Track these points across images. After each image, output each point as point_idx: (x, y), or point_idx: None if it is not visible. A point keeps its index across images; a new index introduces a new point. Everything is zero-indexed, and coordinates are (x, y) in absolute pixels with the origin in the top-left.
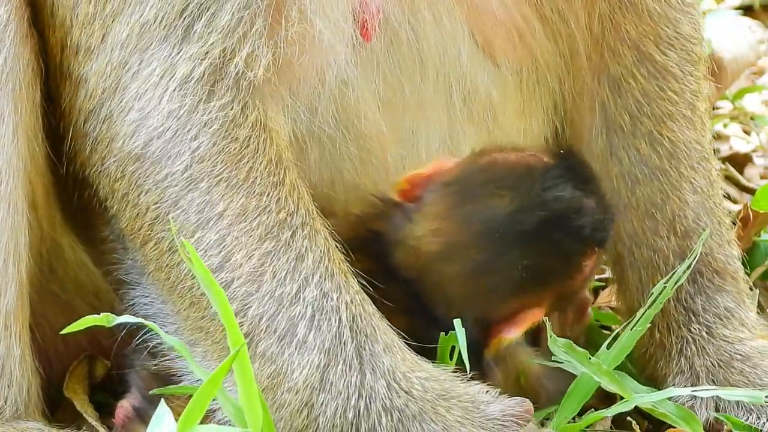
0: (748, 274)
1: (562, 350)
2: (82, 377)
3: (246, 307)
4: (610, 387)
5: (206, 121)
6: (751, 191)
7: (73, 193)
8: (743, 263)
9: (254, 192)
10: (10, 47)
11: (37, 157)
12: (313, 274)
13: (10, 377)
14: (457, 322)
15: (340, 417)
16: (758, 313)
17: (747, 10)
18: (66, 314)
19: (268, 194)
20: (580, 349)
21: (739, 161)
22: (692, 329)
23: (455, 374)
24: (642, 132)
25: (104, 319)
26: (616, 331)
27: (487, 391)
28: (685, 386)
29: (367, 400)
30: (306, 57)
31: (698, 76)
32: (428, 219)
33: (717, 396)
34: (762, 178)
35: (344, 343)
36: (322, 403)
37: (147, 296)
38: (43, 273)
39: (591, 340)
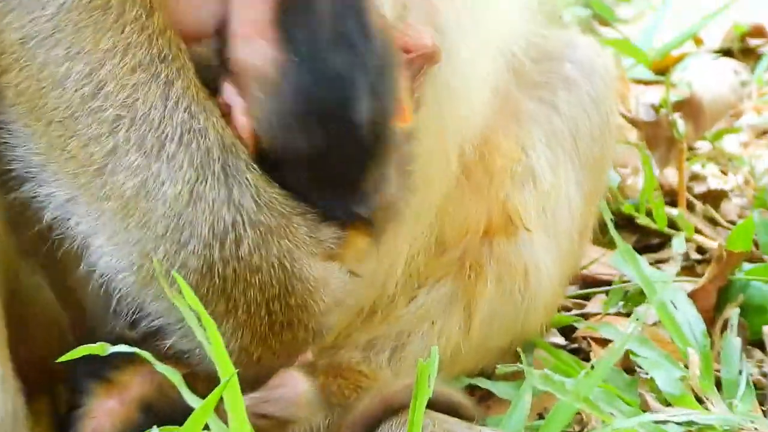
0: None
1: (539, 381)
2: (46, 413)
3: (115, 129)
4: (589, 412)
5: None
6: (726, 228)
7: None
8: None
9: (123, 32)
10: None
11: None
12: (181, 98)
13: None
14: None
15: (209, 229)
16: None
17: (726, 53)
18: (27, 333)
19: (139, 34)
20: (557, 377)
21: (716, 198)
22: None
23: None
24: None
25: (99, 348)
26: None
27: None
28: None
29: (234, 213)
30: None
31: None
32: None
33: None
34: (739, 216)
35: (212, 160)
36: (190, 216)
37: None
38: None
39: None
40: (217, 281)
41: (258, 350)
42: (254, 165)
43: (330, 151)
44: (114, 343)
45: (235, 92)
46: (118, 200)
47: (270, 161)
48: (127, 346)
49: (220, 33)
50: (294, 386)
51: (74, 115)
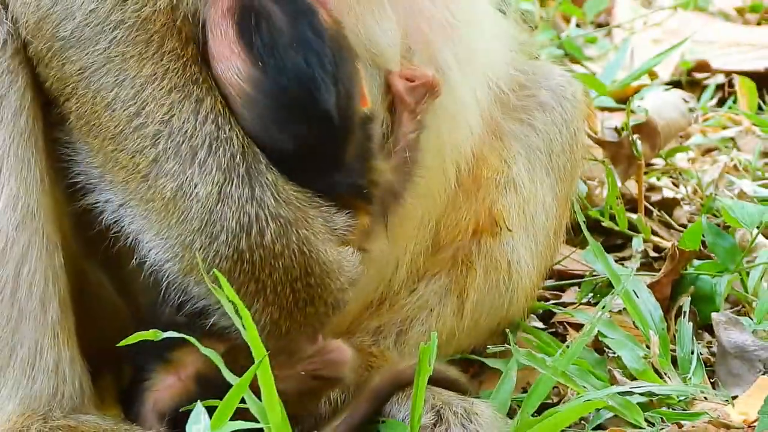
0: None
1: (524, 357)
2: (111, 390)
3: (156, 141)
4: (566, 385)
5: (121, 19)
6: (678, 230)
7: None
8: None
9: (162, 60)
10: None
11: (61, 195)
12: (209, 113)
13: (64, 375)
14: None
15: (236, 223)
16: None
17: (676, 85)
18: (93, 323)
19: (175, 62)
20: (539, 355)
21: (669, 205)
22: None
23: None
24: None
25: (152, 334)
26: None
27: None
28: None
29: (257, 208)
30: None
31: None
32: None
33: None
34: (689, 221)
35: (237, 164)
36: (220, 212)
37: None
38: (75, 291)
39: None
40: (247, 266)
41: (286, 323)
42: (273, 167)
43: (311, 139)
44: (166, 327)
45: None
46: (160, 201)
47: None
48: (176, 331)
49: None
50: (341, 352)
51: (122, 132)
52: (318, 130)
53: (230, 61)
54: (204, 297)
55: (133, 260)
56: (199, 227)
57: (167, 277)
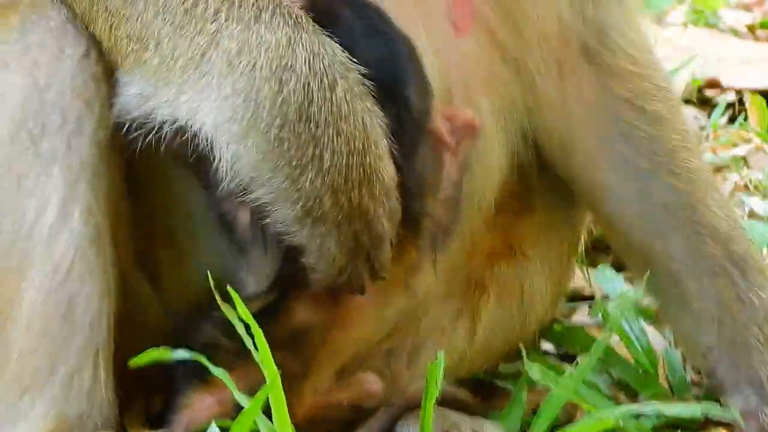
0: None
1: (537, 373)
2: (140, 413)
3: (217, 17)
4: (579, 402)
5: None
6: None
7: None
8: None
9: None
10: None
11: (122, 206)
12: None
13: (95, 398)
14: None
15: (308, 67)
16: None
17: (687, 102)
18: (134, 339)
19: None
20: (551, 373)
21: None
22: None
23: None
24: (662, 169)
25: (165, 353)
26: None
27: None
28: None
29: (329, 60)
30: None
31: (681, 115)
32: None
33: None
34: None
35: (303, 27)
36: (291, 57)
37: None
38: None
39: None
40: (311, 125)
41: (335, 204)
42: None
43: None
44: (203, 347)
45: None
46: (225, 59)
47: None
48: (214, 350)
49: None
50: (376, 383)
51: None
52: (397, 115)
53: None
54: (254, 169)
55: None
56: (268, 75)
57: (222, 149)
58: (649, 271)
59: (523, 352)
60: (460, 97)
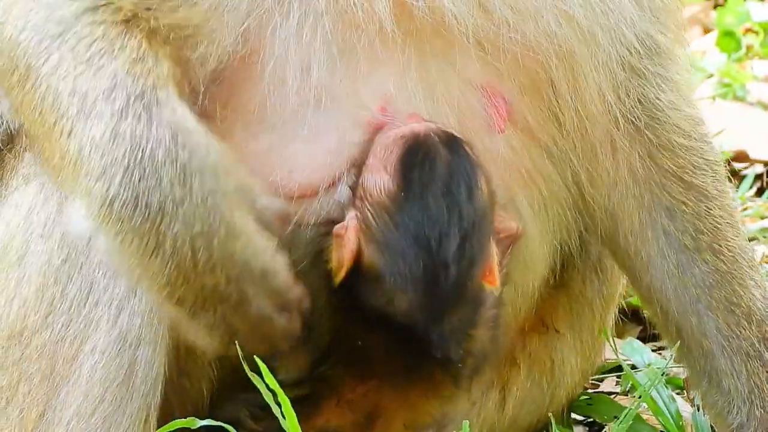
0: None
1: None
2: None
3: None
4: None
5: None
6: None
7: None
8: None
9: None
10: None
11: None
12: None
13: None
14: None
15: (137, 137)
16: None
17: None
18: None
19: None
20: None
21: None
22: None
23: None
24: (704, 246)
25: (190, 422)
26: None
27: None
28: None
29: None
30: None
31: (727, 192)
32: None
33: None
34: None
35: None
36: (124, 128)
37: None
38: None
39: None
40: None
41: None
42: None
43: (422, 279)
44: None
45: (354, 215)
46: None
47: (357, 279)
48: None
49: (357, 163)
50: None
51: None
52: (430, 274)
53: (381, 176)
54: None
55: None
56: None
57: None
58: (679, 342)
59: (552, 424)
60: (500, 197)
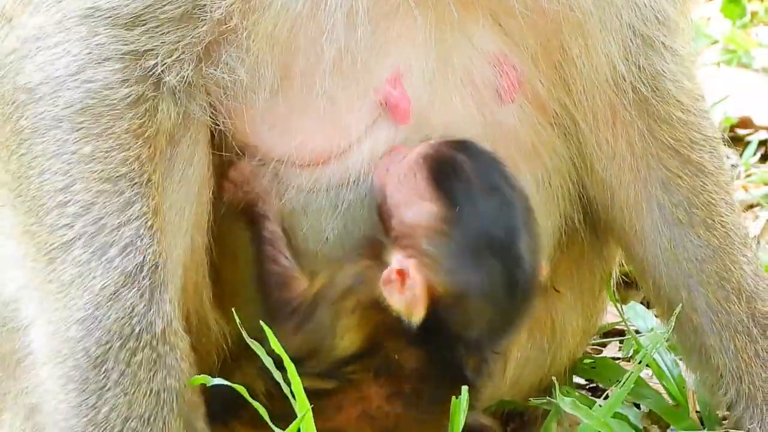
0: None
1: (569, 405)
2: None
3: (72, 224)
4: None
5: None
6: None
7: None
8: None
9: (105, 145)
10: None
11: (198, 246)
12: (136, 219)
13: None
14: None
15: (116, 324)
16: None
17: None
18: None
19: (117, 151)
20: (582, 405)
21: None
22: None
23: None
24: (698, 221)
25: (203, 379)
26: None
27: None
28: None
29: (143, 327)
30: None
31: (724, 168)
32: None
33: None
34: None
35: (143, 276)
36: (108, 311)
37: None
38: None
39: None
40: (102, 375)
41: None
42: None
43: (503, 278)
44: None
45: (404, 256)
46: (58, 284)
47: (436, 316)
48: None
49: (381, 210)
50: None
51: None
52: (508, 274)
53: (420, 205)
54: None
55: None
56: (81, 317)
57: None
58: (677, 310)
59: (555, 385)
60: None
